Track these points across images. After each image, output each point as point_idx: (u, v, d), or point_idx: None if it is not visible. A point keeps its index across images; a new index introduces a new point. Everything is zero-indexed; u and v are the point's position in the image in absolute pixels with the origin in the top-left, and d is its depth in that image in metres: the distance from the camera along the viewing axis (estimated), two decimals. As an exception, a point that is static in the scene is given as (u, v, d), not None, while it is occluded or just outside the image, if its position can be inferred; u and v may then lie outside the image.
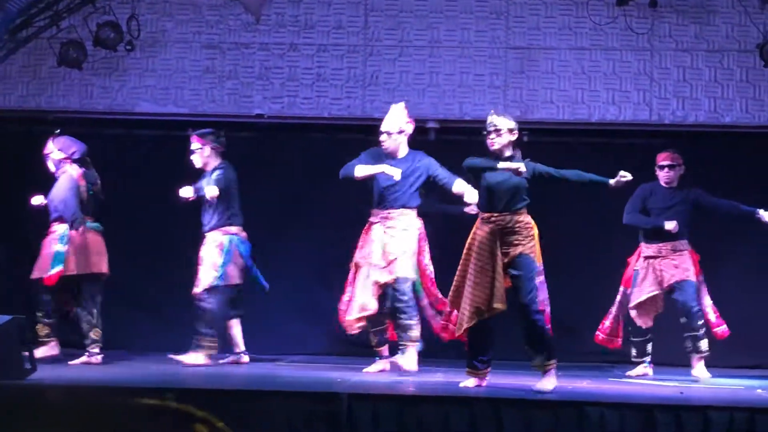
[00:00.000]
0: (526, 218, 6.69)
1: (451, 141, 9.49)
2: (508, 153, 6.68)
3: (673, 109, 9.18)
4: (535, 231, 6.72)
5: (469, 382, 6.59)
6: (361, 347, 9.12)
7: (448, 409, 5.70)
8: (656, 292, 8.12)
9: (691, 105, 9.16)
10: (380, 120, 9.34)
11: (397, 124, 7.78)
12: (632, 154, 9.43)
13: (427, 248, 7.80)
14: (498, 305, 6.42)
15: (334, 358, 8.62)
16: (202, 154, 8.23)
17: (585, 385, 6.98)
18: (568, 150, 9.48)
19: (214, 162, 8.26)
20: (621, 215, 9.24)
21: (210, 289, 8.05)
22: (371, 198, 7.85)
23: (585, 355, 8.91)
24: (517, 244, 6.53)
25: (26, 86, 9.44)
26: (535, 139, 9.40)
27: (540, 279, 6.68)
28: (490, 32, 9.28)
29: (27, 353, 6.59)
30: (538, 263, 6.67)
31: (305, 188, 9.39)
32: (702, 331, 8.00)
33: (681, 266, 8.08)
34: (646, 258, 8.21)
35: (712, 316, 8.14)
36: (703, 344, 7.99)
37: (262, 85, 9.38)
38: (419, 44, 9.33)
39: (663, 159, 8.31)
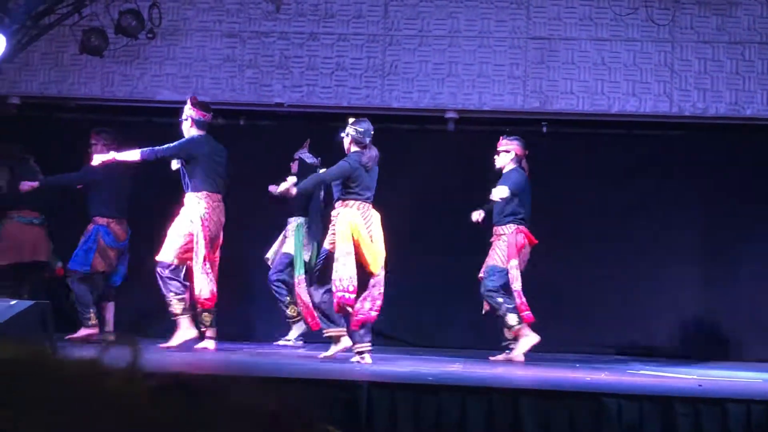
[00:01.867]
0: (337, 210, 7.28)
1: (469, 131, 9.51)
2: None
3: (693, 101, 9.15)
4: (341, 219, 7.16)
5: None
6: (381, 336, 9.17)
7: (466, 399, 5.72)
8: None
9: (712, 97, 9.13)
10: (399, 110, 9.38)
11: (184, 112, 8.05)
12: (652, 146, 9.42)
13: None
14: None
15: (349, 347, 8.63)
16: (95, 149, 8.43)
17: (603, 376, 6.99)
18: (587, 141, 9.49)
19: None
20: (636, 205, 9.26)
21: (74, 272, 8.46)
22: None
23: (603, 347, 8.92)
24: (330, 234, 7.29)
25: (48, 73, 9.48)
26: (554, 130, 9.42)
27: (342, 261, 7.02)
28: (511, 22, 9.26)
29: (49, 338, 6.64)
30: (335, 248, 7.10)
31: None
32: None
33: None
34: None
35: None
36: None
37: (282, 74, 9.39)
38: (439, 34, 9.32)
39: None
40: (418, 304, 9.23)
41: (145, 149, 7.83)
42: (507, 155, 8.28)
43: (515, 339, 7.99)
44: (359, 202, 7.26)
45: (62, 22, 9.31)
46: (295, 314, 8.64)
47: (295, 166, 8.71)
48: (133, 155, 7.88)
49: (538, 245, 9.19)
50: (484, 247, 9.23)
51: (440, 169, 9.38)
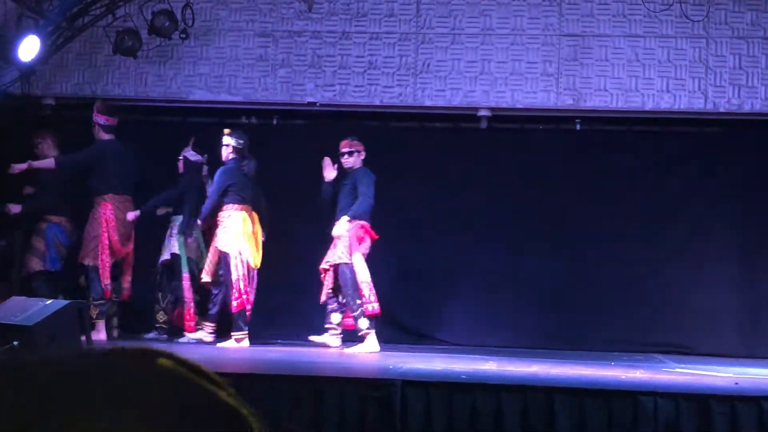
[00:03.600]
0: (224, 213, 8.33)
1: (502, 129, 9.48)
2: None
3: (728, 97, 9.07)
4: (229, 222, 8.23)
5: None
6: (412, 334, 9.17)
7: (500, 397, 5.70)
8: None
9: (747, 93, 9.04)
10: (432, 108, 9.37)
11: None
12: (687, 143, 9.36)
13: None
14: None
15: (383, 346, 8.64)
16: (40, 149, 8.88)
17: (639, 374, 6.95)
18: (621, 139, 9.43)
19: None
20: (673, 203, 9.21)
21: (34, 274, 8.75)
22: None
23: (639, 345, 8.87)
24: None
25: (82, 74, 9.55)
26: (587, 127, 9.37)
27: (234, 262, 8.15)
28: (543, 19, 9.22)
29: (84, 337, 6.69)
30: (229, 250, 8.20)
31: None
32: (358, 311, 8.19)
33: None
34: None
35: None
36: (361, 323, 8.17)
37: (315, 73, 9.40)
38: (471, 32, 9.30)
39: (342, 146, 8.51)
40: (451, 303, 9.21)
41: (59, 156, 8.59)
42: (358, 155, 8.51)
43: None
44: (242, 205, 8.35)
45: (96, 24, 9.37)
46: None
47: (181, 165, 8.86)
48: (47, 163, 8.57)
49: (574, 245, 9.17)
50: (518, 245, 9.22)
51: (473, 168, 9.36)
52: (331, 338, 8.40)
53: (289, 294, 9.16)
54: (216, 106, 9.51)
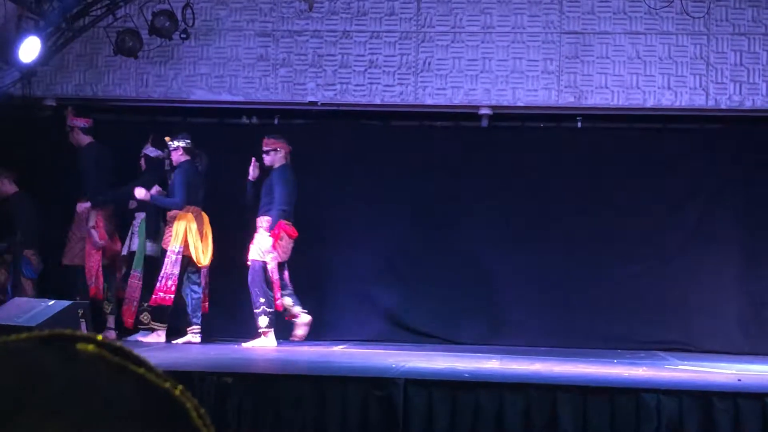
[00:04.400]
0: (172, 213, 8.46)
1: (504, 127, 9.47)
2: None
3: (730, 94, 9.06)
4: (177, 221, 8.34)
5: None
6: (414, 333, 9.17)
7: (503, 395, 5.70)
8: None
9: (748, 90, 9.04)
10: (432, 107, 9.37)
11: None
12: (688, 140, 9.35)
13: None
14: None
15: (386, 345, 8.64)
16: None
17: (641, 372, 6.94)
18: (622, 136, 9.43)
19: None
20: (674, 200, 9.21)
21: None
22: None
23: (641, 343, 8.86)
24: None
25: (83, 75, 9.55)
26: (589, 125, 9.37)
27: (168, 260, 8.31)
28: (544, 17, 9.21)
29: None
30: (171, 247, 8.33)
31: (357, 175, 9.41)
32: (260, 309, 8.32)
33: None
34: None
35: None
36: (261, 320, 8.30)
37: (315, 73, 9.40)
38: (472, 30, 9.29)
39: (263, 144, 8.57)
40: (454, 301, 9.21)
41: (96, 200, 8.61)
42: (276, 153, 8.55)
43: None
44: (192, 206, 8.42)
45: (96, 24, 9.37)
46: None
47: (143, 163, 8.90)
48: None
49: (577, 242, 9.16)
50: (523, 243, 9.21)
51: (474, 166, 9.35)
52: (299, 326, 8.57)
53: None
54: (217, 106, 9.50)
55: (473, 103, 9.26)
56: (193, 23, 9.30)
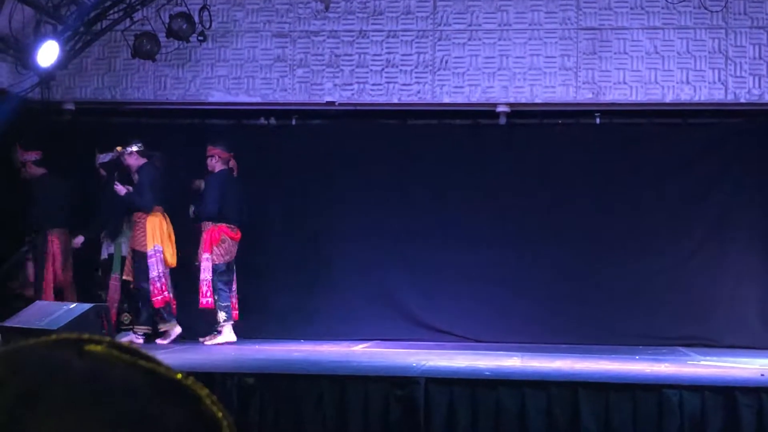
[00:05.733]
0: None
1: (522, 125, 9.45)
2: None
3: (749, 87, 9.01)
4: (145, 221, 8.42)
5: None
6: (433, 331, 9.16)
7: (524, 393, 5.68)
8: None
9: (768, 83, 8.97)
10: (450, 105, 9.35)
11: None
12: (707, 135, 9.30)
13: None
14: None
15: (406, 343, 8.63)
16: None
17: (664, 368, 6.91)
18: (641, 132, 9.39)
19: None
20: (694, 195, 9.16)
21: None
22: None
23: (663, 338, 8.83)
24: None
25: (101, 78, 9.58)
26: (607, 120, 9.33)
27: (151, 260, 8.40)
28: (561, 13, 9.18)
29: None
30: (147, 249, 8.42)
31: (376, 175, 9.40)
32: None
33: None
34: None
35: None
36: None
37: (332, 73, 9.40)
38: (489, 27, 9.27)
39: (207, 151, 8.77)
40: (474, 299, 9.19)
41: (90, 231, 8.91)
42: (212, 160, 8.76)
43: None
44: (158, 205, 8.54)
45: (114, 28, 9.40)
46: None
47: (102, 171, 8.98)
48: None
49: (597, 238, 9.12)
50: (543, 240, 9.19)
51: (493, 164, 9.34)
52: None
53: (302, 294, 9.21)
54: (234, 108, 9.52)
55: (491, 101, 9.24)
56: (210, 25, 9.32)
